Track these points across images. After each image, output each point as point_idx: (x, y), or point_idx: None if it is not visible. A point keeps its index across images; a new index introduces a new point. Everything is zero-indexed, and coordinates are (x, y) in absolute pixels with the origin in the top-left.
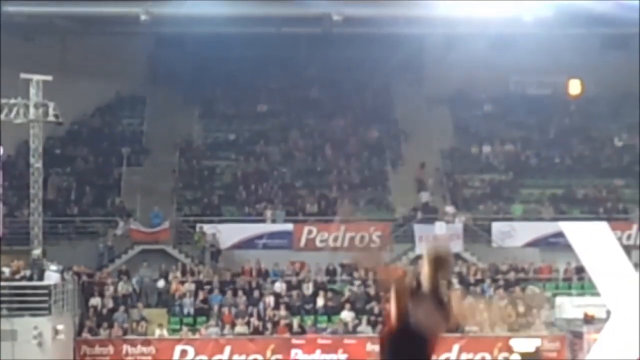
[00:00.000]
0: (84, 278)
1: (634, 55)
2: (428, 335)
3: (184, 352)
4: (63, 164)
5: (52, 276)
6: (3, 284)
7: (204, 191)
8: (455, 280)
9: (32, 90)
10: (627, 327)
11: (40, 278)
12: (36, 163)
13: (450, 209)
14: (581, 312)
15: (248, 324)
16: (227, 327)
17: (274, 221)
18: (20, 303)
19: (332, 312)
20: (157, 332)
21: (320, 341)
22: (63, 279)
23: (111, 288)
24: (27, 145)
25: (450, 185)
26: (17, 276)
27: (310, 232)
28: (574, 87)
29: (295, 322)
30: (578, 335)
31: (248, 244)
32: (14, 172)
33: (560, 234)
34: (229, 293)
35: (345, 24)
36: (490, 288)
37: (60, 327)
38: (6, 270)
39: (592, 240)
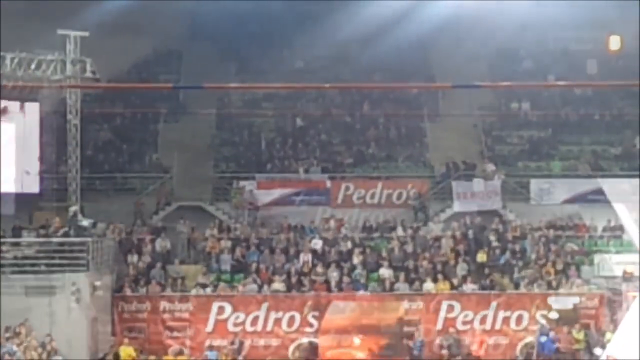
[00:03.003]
0: (122, 234)
1: None
2: None
3: (221, 309)
4: (100, 121)
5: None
6: (41, 240)
7: (241, 148)
8: (493, 238)
9: (69, 47)
10: None
11: (78, 234)
12: (73, 119)
13: (488, 166)
14: (620, 270)
15: (285, 281)
16: (264, 284)
17: (310, 178)
18: (58, 259)
19: (369, 269)
20: (194, 289)
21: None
22: (104, 234)
23: (149, 245)
24: (64, 101)
25: (488, 142)
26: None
27: (347, 188)
28: (614, 43)
29: (333, 279)
30: (617, 293)
31: (285, 200)
32: (52, 129)
33: (599, 191)
34: (266, 250)
35: None
36: (529, 245)
37: (98, 283)
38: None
39: (631, 197)
